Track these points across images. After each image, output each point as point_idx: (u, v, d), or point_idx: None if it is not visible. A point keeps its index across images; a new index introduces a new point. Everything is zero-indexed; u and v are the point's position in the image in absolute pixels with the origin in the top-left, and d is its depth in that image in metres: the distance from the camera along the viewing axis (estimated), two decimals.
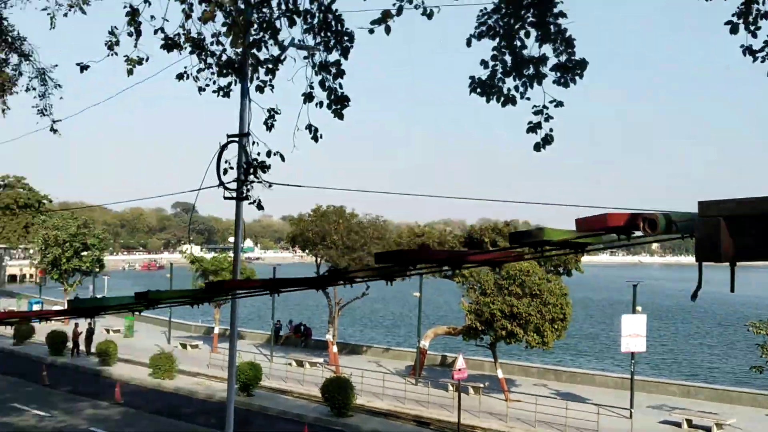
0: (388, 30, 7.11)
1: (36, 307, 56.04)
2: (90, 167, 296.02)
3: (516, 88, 7.65)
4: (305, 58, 8.14)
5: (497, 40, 7.55)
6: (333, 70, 8.18)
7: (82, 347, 39.17)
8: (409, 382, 31.59)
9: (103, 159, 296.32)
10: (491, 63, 7.62)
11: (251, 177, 9.43)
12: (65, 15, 16.32)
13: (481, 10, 7.60)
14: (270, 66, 8.35)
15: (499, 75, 7.59)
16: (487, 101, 7.68)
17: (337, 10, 7.85)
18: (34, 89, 17.35)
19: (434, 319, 56.73)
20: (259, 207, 9.83)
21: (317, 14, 7.88)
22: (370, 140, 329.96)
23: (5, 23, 16.59)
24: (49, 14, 16.34)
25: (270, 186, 9.57)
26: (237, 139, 12.19)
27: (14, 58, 16.48)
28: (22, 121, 17.63)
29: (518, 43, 7.52)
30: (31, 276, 72.84)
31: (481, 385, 29.76)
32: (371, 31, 7.19)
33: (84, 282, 56.03)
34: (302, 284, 3.91)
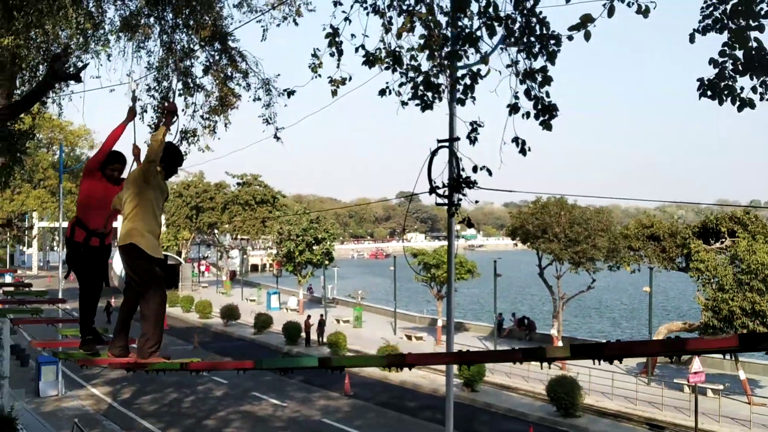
0: (588, 36, 6.50)
1: (274, 297, 59.88)
2: (318, 164, 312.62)
3: (754, 89, 6.65)
4: (508, 66, 7.65)
5: (727, 33, 6.60)
6: (539, 78, 7.62)
7: (314, 337, 41.07)
8: (640, 381, 30.00)
9: (329, 155, 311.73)
10: (720, 60, 6.68)
11: (458, 193, 9.07)
12: (278, 25, 16.96)
13: (705, 1, 6.70)
14: (469, 80, 7.94)
15: (729, 73, 6.63)
16: (720, 104, 6.76)
17: (541, 12, 7.26)
18: (260, 99, 18.17)
19: (668, 312, 53.74)
20: (470, 225, 9.48)
21: (519, 19, 7.35)
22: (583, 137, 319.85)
23: (229, 40, 17.49)
24: (262, 27, 17.02)
25: (477, 202, 9.21)
26: (447, 144, 11.96)
27: (238, 74, 17.33)
28: (251, 126, 18.53)
29: (753, 35, 6.51)
30: (270, 265, 77.67)
31: (721, 387, 27.55)
32: (570, 38, 6.60)
33: (316, 273, 58.76)
34: (498, 358, 3.51)
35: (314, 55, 8.29)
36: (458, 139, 11.95)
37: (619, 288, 76.80)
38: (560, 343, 34.64)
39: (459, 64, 7.98)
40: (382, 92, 8.45)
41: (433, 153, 11.59)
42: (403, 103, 8.52)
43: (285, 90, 8.84)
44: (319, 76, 8.48)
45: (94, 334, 7.46)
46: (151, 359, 6.45)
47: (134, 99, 8.45)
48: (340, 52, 8.00)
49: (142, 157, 7.22)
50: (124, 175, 7.46)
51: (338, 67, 8.12)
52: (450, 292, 13.31)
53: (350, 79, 8.24)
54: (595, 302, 66.81)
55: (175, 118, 7.18)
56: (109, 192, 7.33)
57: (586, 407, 26.24)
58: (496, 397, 28.75)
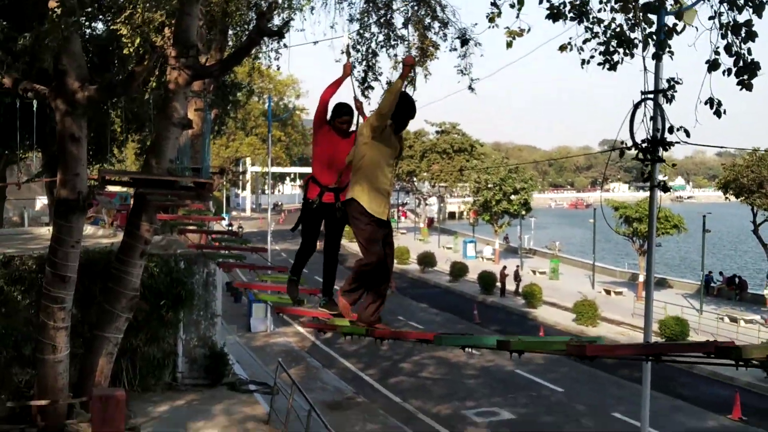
0: None
1: (470, 246, 60.11)
2: (516, 111, 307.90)
3: None
4: (710, 18, 7.05)
5: None
6: (742, 32, 6.95)
7: (510, 288, 40.92)
8: None
9: (528, 103, 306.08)
10: None
11: (662, 148, 8.57)
12: None
13: None
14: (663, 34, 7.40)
15: None
16: None
17: None
18: (456, 50, 18.04)
19: None
20: (665, 189, 8.94)
21: None
22: None
23: None
24: None
25: (674, 166, 8.66)
26: (651, 97, 11.29)
27: (437, 24, 17.26)
28: (447, 75, 18.42)
29: None
30: (467, 213, 78.43)
31: None
32: None
33: (513, 222, 58.29)
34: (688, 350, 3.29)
35: (494, 4, 8.05)
36: (664, 91, 11.27)
37: None
38: None
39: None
40: (563, 48, 8.09)
41: (636, 105, 11.02)
42: (584, 62, 8.12)
43: (458, 37, 8.70)
44: (497, 26, 8.23)
45: (299, 279, 7.64)
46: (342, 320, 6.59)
47: (349, 54, 8.29)
48: (521, 3, 7.72)
49: (365, 111, 7.11)
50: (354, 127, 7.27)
51: (518, 17, 7.84)
52: (651, 251, 12.63)
53: (529, 30, 7.93)
54: None
55: (413, 72, 6.79)
56: (339, 145, 7.11)
57: None
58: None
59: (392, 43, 18.01)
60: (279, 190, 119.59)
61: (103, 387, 13.08)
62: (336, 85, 7.19)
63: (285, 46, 20.20)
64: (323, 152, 7.14)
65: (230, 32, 20.87)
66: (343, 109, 7.15)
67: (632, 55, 8.07)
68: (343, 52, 9.30)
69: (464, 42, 9.53)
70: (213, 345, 17.86)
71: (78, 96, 11.66)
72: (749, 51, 7.13)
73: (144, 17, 13.21)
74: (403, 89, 6.38)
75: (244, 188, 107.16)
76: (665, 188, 8.93)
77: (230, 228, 34.31)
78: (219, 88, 23.32)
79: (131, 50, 13.97)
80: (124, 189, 21.34)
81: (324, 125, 7.17)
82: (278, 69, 22.91)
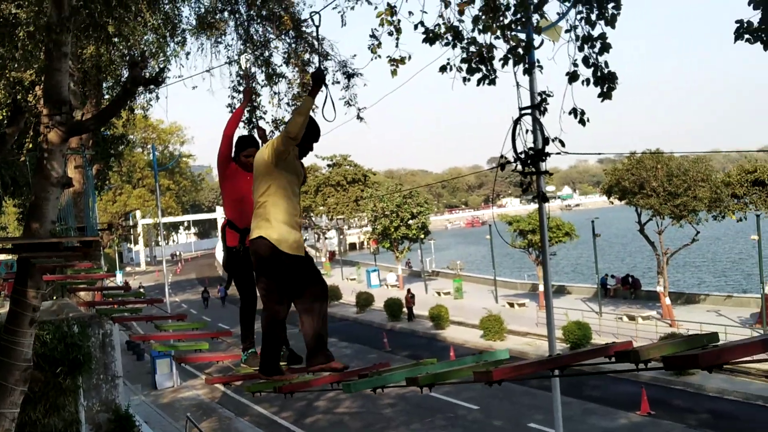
0: None
1: (373, 275, 60.30)
2: (405, 138, 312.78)
3: None
4: (566, 31, 7.38)
5: None
6: (597, 45, 7.33)
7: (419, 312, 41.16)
8: (755, 331, 28.84)
9: (416, 129, 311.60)
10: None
11: (528, 168, 8.88)
12: (352, 8, 16.83)
13: None
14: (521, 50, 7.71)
15: None
16: (765, 49, 6.46)
17: None
18: (338, 82, 18.11)
19: None
20: (544, 199, 9.23)
21: None
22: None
23: (303, 26, 17.48)
24: (339, 12, 16.91)
25: (551, 174, 8.97)
26: (530, 112, 11.62)
27: (316, 58, 17.30)
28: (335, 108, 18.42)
29: None
30: (367, 243, 78.66)
31: None
32: None
33: (413, 247, 58.88)
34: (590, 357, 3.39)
35: (372, 36, 8.17)
36: (541, 105, 11.64)
37: (727, 238, 74.11)
38: (667, 300, 33.72)
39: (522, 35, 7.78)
40: (443, 69, 8.26)
41: (516, 121, 11.32)
42: (465, 80, 8.32)
43: (345, 72, 8.85)
44: (379, 56, 8.34)
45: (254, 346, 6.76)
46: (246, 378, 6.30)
47: (248, 77, 7.92)
48: (398, 31, 7.88)
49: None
50: None
51: (397, 46, 8.00)
52: (545, 259, 12.92)
53: (410, 58, 8.08)
54: (700, 255, 64.48)
55: (324, 89, 5.78)
56: (250, 183, 6.03)
57: None
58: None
59: (274, 81, 17.98)
60: (174, 240, 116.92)
61: None
62: (238, 115, 6.55)
63: (157, 97, 19.90)
64: (234, 192, 6.37)
65: (105, 85, 20.35)
66: (247, 141, 6.47)
67: (494, 71, 8.30)
68: (245, 75, 9.18)
69: (351, 76, 9.64)
70: (117, 408, 17.16)
71: None
72: (606, 63, 7.51)
73: (12, 77, 12.74)
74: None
75: (136, 242, 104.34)
76: (544, 198, 9.22)
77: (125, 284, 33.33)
78: (97, 143, 22.66)
79: (3, 113, 13.44)
80: (9, 257, 20.35)
81: (230, 163, 6.42)
82: (146, 118, 22.54)
